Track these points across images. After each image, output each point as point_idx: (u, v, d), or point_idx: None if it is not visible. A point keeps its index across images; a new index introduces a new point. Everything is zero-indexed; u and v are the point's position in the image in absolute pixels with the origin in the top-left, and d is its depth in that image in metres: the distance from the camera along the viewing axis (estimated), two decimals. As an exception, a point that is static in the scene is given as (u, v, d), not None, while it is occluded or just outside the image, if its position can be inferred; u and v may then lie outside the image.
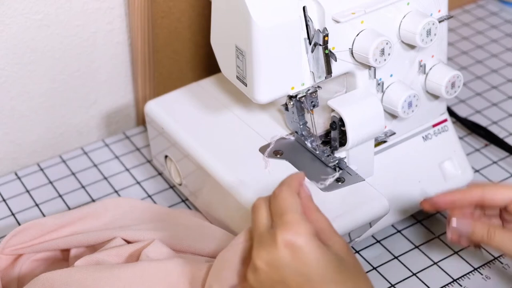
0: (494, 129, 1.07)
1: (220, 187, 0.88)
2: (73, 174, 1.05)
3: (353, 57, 0.85)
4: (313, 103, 0.86)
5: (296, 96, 0.85)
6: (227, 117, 0.96)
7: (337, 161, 0.88)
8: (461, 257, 0.89)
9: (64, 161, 1.07)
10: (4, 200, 1.01)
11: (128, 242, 0.86)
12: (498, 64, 1.21)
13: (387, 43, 0.82)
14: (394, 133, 0.92)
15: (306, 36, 0.82)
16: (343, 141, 0.88)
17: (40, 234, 0.87)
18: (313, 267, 0.66)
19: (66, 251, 0.90)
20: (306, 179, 0.75)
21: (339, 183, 0.87)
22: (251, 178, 0.87)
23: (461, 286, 0.86)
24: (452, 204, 0.80)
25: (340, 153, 0.89)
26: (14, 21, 0.99)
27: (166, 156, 0.98)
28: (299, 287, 0.66)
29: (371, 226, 0.87)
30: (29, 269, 0.88)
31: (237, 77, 0.84)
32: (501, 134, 1.07)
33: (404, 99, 0.87)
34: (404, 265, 0.89)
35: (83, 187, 1.03)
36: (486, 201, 0.79)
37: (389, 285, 0.87)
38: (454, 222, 0.79)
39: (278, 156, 0.90)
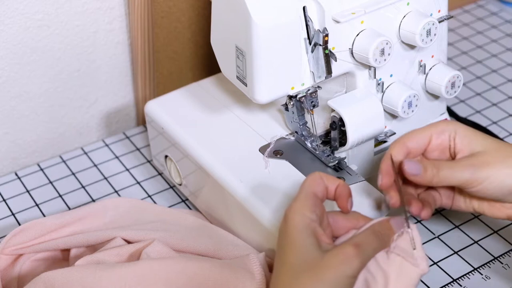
0: (494, 129, 1.07)
1: (220, 187, 0.88)
2: (73, 174, 1.05)
3: (353, 57, 0.85)
4: (313, 103, 0.86)
5: (296, 96, 0.85)
6: (227, 117, 0.96)
7: (337, 161, 0.88)
8: (461, 257, 0.89)
9: (64, 161, 1.07)
10: (4, 200, 1.01)
11: (128, 242, 0.86)
12: (498, 64, 1.21)
13: (387, 43, 0.82)
14: (394, 133, 0.92)
15: (306, 36, 0.82)
16: (343, 141, 0.88)
17: (40, 234, 0.87)
18: (282, 242, 0.71)
19: (66, 251, 0.90)
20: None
21: (339, 183, 0.87)
22: (251, 178, 0.87)
23: (461, 286, 0.86)
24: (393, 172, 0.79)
25: (340, 153, 0.89)
26: (14, 21, 0.99)
27: (166, 156, 0.98)
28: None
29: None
30: (29, 269, 0.88)
31: (237, 77, 0.84)
32: (501, 134, 1.07)
33: (404, 99, 0.87)
34: (404, 265, 0.89)
35: (83, 187, 1.03)
36: (413, 152, 0.79)
37: (389, 285, 0.87)
38: (405, 165, 0.76)
39: (278, 156, 0.90)
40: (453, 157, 0.79)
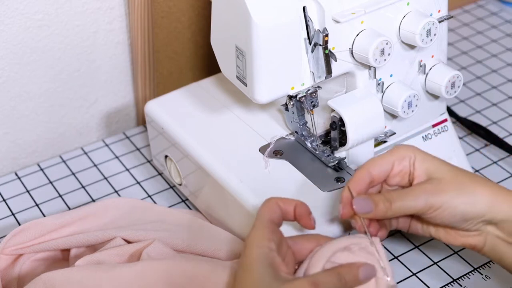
0: (494, 129, 1.07)
1: (220, 187, 0.88)
2: (73, 174, 1.05)
3: (353, 57, 0.85)
4: (313, 103, 0.86)
5: (296, 96, 0.85)
6: (227, 117, 0.96)
7: (337, 161, 0.88)
8: (461, 257, 0.89)
9: (64, 161, 1.07)
10: (4, 200, 1.01)
11: (128, 242, 0.86)
12: (498, 64, 1.21)
13: (387, 43, 0.82)
14: (394, 133, 0.92)
15: (306, 36, 0.82)
16: (343, 141, 0.88)
17: (40, 234, 0.87)
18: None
19: (66, 251, 0.90)
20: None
21: (339, 183, 0.87)
22: (251, 178, 0.87)
23: (461, 286, 0.86)
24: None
25: (340, 153, 0.89)
26: (14, 21, 0.99)
27: (166, 156, 0.98)
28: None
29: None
30: (29, 269, 0.88)
31: (237, 77, 0.84)
32: (501, 134, 1.07)
33: (404, 99, 0.87)
34: (404, 265, 0.89)
35: (83, 187, 1.03)
36: (376, 179, 0.79)
37: (389, 285, 0.87)
38: (354, 205, 0.76)
39: (278, 156, 0.90)
40: (411, 182, 0.79)
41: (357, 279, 0.71)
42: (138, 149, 1.09)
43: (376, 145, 0.91)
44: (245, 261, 0.71)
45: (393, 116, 0.91)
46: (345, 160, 0.89)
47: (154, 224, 0.90)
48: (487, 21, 1.31)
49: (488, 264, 0.88)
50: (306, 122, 0.90)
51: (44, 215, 0.98)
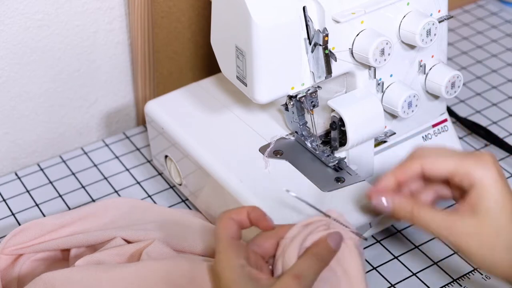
0: (494, 129, 1.07)
1: (220, 187, 0.88)
2: (73, 174, 1.05)
3: (353, 57, 0.85)
4: (313, 103, 0.86)
5: (296, 96, 0.85)
6: (227, 117, 0.96)
7: (337, 161, 0.88)
8: (461, 257, 0.89)
9: (64, 161, 1.07)
10: (4, 200, 1.01)
11: (128, 242, 0.86)
12: (498, 64, 1.21)
13: (387, 43, 0.82)
14: (394, 133, 0.92)
15: (306, 36, 0.82)
16: (343, 141, 0.88)
17: (40, 234, 0.87)
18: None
19: (66, 251, 0.90)
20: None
21: (339, 183, 0.87)
22: (251, 178, 0.87)
23: (461, 286, 0.86)
24: (398, 185, 0.77)
25: (340, 153, 0.89)
26: (14, 21, 0.99)
27: (166, 156, 0.98)
28: None
29: (371, 226, 0.87)
30: (29, 269, 0.88)
31: (237, 77, 0.84)
32: (501, 134, 1.07)
33: (404, 99, 0.87)
34: (404, 265, 0.89)
35: (83, 187, 1.03)
36: (426, 173, 0.76)
37: (389, 285, 0.87)
38: (373, 200, 0.76)
39: (278, 156, 0.90)
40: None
41: (331, 250, 0.72)
42: (138, 149, 1.09)
43: (376, 145, 0.91)
44: (223, 286, 0.70)
45: (393, 116, 0.91)
46: (345, 160, 0.89)
47: (154, 224, 0.89)
48: (487, 21, 1.31)
49: (488, 264, 0.88)
50: (306, 122, 0.90)
51: (44, 215, 0.98)
